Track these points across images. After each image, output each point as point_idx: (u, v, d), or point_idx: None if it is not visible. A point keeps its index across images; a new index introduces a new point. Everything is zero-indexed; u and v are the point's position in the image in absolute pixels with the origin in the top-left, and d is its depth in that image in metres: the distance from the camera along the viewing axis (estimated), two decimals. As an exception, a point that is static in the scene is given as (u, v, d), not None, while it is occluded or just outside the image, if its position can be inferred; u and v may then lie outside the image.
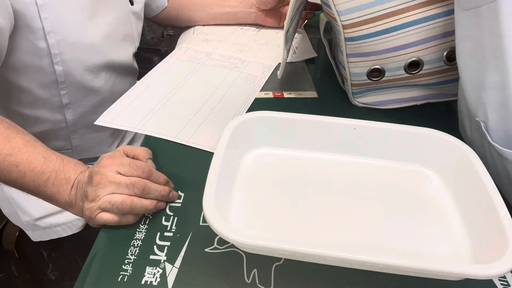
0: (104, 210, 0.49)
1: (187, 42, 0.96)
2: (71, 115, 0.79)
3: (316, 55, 0.94)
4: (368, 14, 0.64)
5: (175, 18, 1.05)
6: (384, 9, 0.63)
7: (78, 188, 0.52)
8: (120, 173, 0.50)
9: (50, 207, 0.79)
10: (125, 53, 0.85)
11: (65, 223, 0.80)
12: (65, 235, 0.83)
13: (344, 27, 0.65)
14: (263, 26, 1.06)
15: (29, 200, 0.79)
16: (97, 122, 0.65)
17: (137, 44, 0.91)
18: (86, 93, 0.78)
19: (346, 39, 0.67)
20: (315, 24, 1.11)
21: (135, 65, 0.92)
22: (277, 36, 1.03)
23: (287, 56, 0.80)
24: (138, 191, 0.50)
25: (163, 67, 0.84)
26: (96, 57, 0.76)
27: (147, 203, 0.51)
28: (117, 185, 0.49)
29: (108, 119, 0.67)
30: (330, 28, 0.78)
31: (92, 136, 0.84)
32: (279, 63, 0.89)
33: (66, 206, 0.54)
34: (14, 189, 0.71)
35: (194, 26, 1.06)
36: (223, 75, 0.83)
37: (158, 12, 1.02)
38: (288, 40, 0.76)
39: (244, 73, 0.84)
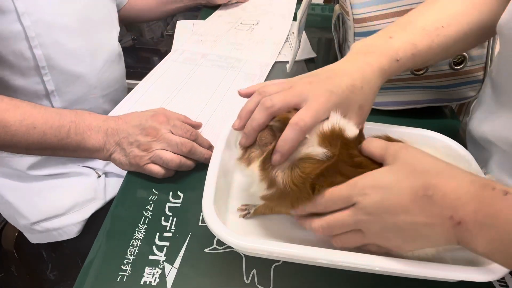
0: (153, 162, 0.56)
1: (181, 44, 0.96)
2: (59, 103, 0.77)
3: (316, 55, 0.94)
4: (382, 10, 0.64)
5: (135, 18, 1.08)
6: (398, 6, 0.63)
7: (110, 134, 0.58)
8: (172, 132, 0.57)
9: (46, 211, 0.79)
10: (107, 36, 0.84)
11: (61, 227, 0.80)
12: (61, 239, 0.83)
13: (355, 21, 0.65)
14: (256, 24, 1.06)
15: (26, 204, 0.79)
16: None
17: (118, 28, 0.90)
18: (72, 79, 0.77)
19: (356, 34, 0.66)
20: (315, 24, 1.11)
21: (121, 51, 0.91)
22: (271, 33, 1.02)
23: (299, 47, 0.80)
24: (185, 151, 0.56)
25: (159, 70, 0.84)
26: (76, 40, 0.74)
27: (191, 163, 0.58)
28: (169, 142, 0.56)
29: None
30: (338, 26, 0.78)
31: None
32: (277, 62, 0.89)
33: (94, 151, 0.59)
34: (11, 192, 0.71)
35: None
36: (222, 76, 0.83)
37: (119, 8, 1.02)
38: (300, 31, 0.77)
39: (242, 72, 0.84)
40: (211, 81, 0.80)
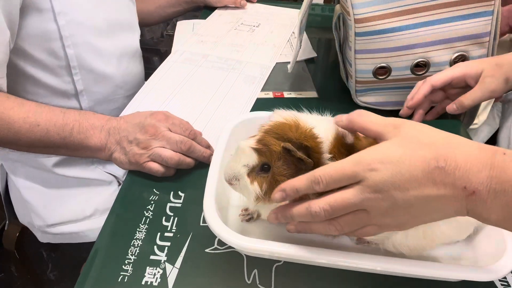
0: (153, 160, 0.57)
1: (182, 44, 0.95)
2: (87, 103, 0.78)
3: (316, 55, 0.94)
4: (383, 10, 0.64)
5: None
6: (399, 6, 0.63)
7: (112, 133, 0.59)
8: (170, 131, 0.58)
9: (65, 215, 0.80)
10: (132, 38, 0.85)
11: (77, 232, 0.81)
12: (75, 242, 0.83)
13: (356, 21, 0.65)
14: (257, 26, 1.06)
15: (45, 206, 0.80)
16: None
17: (139, 30, 0.91)
18: (99, 79, 0.78)
19: (356, 34, 0.66)
20: (315, 24, 1.11)
21: (141, 52, 0.92)
22: (271, 36, 1.02)
23: (300, 47, 0.80)
24: (184, 149, 0.57)
25: (161, 71, 0.84)
26: (104, 41, 0.75)
27: (190, 161, 0.58)
28: (168, 140, 0.57)
29: None
30: (339, 26, 0.78)
31: None
32: (277, 63, 0.89)
33: (96, 150, 0.60)
34: (31, 193, 0.72)
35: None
36: (222, 77, 0.83)
37: None
38: (301, 31, 0.77)
39: (243, 74, 0.84)
40: (212, 83, 0.80)
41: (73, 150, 0.61)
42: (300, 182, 0.37)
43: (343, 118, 0.39)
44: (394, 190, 0.33)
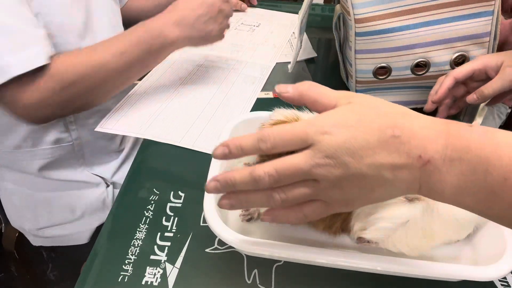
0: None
1: None
2: None
3: (316, 55, 0.94)
4: (384, 9, 0.64)
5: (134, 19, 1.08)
6: (399, 6, 0.63)
7: (182, 24, 0.67)
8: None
9: (54, 219, 0.80)
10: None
11: (67, 235, 0.80)
12: (68, 244, 0.83)
13: (356, 21, 0.65)
14: (257, 26, 1.06)
15: (34, 210, 0.80)
16: (97, 129, 0.65)
17: (122, 30, 0.89)
18: None
19: (357, 34, 0.67)
20: (315, 24, 1.11)
21: None
22: (272, 36, 1.02)
23: (301, 47, 0.80)
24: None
25: (159, 70, 0.83)
26: (84, 42, 0.73)
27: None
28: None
29: (108, 125, 0.67)
30: (339, 26, 0.78)
31: (92, 127, 0.84)
32: (277, 63, 0.89)
33: (176, 43, 0.68)
34: (19, 198, 0.72)
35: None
36: (222, 77, 0.83)
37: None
38: (301, 31, 0.77)
39: (243, 74, 0.84)
40: (212, 82, 0.80)
41: (159, 53, 0.68)
42: (246, 139, 0.33)
43: (288, 89, 0.35)
44: (347, 156, 0.31)
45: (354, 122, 0.31)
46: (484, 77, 0.64)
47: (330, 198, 0.33)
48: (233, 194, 0.34)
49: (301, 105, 0.36)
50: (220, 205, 0.35)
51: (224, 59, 0.89)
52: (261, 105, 0.75)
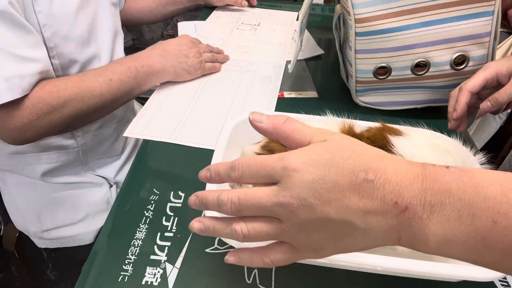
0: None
1: None
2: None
3: (323, 51, 0.94)
4: (384, 9, 0.64)
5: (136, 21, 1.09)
6: (399, 6, 0.63)
7: (164, 55, 0.75)
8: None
9: (58, 220, 0.80)
10: (117, 45, 0.84)
11: (72, 236, 0.81)
12: (72, 245, 0.83)
13: (356, 21, 0.65)
14: (258, 25, 1.06)
15: (38, 213, 0.80)
16: (126, 134, 0.66)
17: (122, 34, 0.90)
18: None
19: (357, 34, 0.67)
20: (316, 24, 1.11)
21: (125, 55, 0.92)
22: (275, 35, 1.03)
23: (301, 47, 0.80)
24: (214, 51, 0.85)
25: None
26: (88, 50, 0.75)
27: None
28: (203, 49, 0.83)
29: (136, 130, 0.67)
30: (339, 26, 0.78)
31: (96, 132, 0.84)
32: (286, 61, 0.90)
33: (162, 72, 0.75)
34: (23, 200, 0.73)
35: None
36: (238, 79, 0.83)
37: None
38: (302, 31, 0.77)
39: (258, 75, 0.84)
40: (229, 85, 0.80)
41: (145, 81, 0.73)
42: (223, 165, 0.32)
43: (263, 119, 0.33)
44: (313, 198, 0.28)
45: (325, 161, 0.29)
46: (495, 84, 0.63)
47: (297, 242, 0.31)
48: (204, 219, 0.33)
49: (274, 139, 0.34)
50: (189, 226, 0.33)
51: (236, 61, 0.89)
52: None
